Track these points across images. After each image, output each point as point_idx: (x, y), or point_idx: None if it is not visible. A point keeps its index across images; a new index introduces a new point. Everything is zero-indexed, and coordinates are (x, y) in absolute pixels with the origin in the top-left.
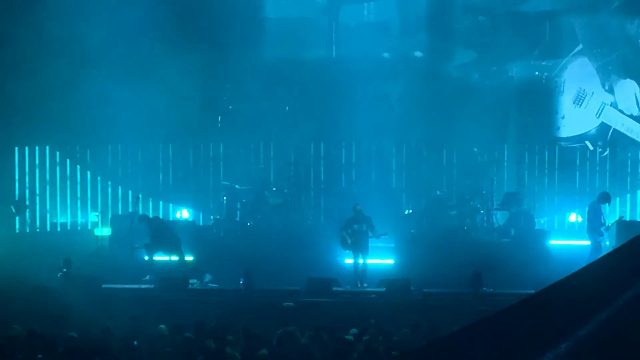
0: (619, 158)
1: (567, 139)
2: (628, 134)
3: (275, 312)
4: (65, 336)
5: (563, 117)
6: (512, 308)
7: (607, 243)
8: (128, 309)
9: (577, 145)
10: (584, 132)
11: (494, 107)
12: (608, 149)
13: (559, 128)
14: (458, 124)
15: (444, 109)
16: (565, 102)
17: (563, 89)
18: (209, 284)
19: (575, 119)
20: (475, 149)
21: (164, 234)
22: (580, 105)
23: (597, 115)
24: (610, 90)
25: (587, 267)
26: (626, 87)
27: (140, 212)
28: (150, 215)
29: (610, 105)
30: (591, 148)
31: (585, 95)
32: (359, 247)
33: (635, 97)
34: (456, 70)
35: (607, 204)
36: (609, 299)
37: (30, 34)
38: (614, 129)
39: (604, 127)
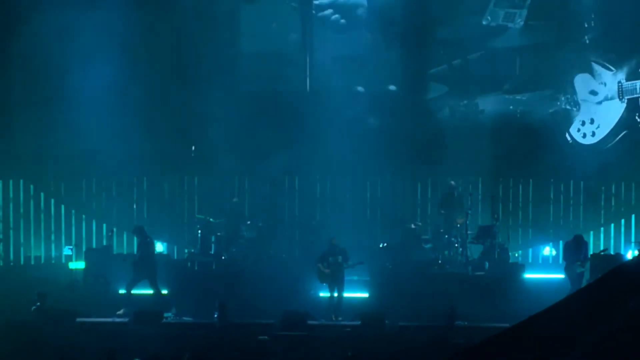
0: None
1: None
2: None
3: (250, 345)
4: None
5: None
6: (488, 341)
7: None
8: (102, 343)
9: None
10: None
11: (467, 140)
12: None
13: (589, 134)
14: (432, 157)
15: (418, 142)
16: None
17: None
18: (174, 318)
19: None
20: (452, 182)
21: (152, 254)
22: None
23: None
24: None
25: (562, 301)
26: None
27: (115, 244)
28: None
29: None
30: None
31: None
32: (335, 278)
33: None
34: (429, 104)
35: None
36: (586, 332)
37: (4, 67)
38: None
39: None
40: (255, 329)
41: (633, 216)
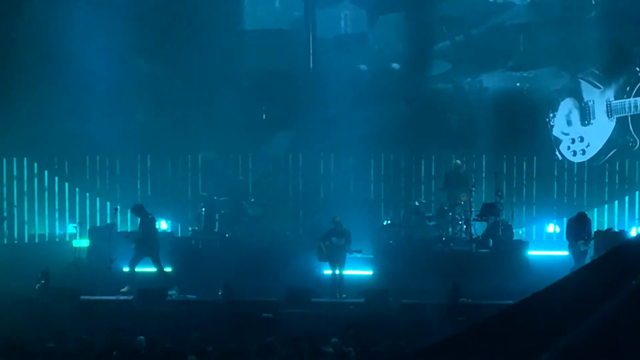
0: (597, 167)
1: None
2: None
3: (254, 323)
4: (43, 348)
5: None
6: (491, 319)
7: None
8: (107, 321)
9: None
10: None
11: (471, 117)
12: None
13: (579, 152)
14: (436, 135)
15: (421, 119)
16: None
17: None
18: (177, 296)
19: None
20: (457, 161)
21: (154, 232)
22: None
23: (610, 117)
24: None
25: (565, 278)
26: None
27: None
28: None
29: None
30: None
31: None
32: (334, 259)
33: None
34: (432, 81)
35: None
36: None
37: (8, 46)
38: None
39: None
40: (259, 307)
41: (637, 193)
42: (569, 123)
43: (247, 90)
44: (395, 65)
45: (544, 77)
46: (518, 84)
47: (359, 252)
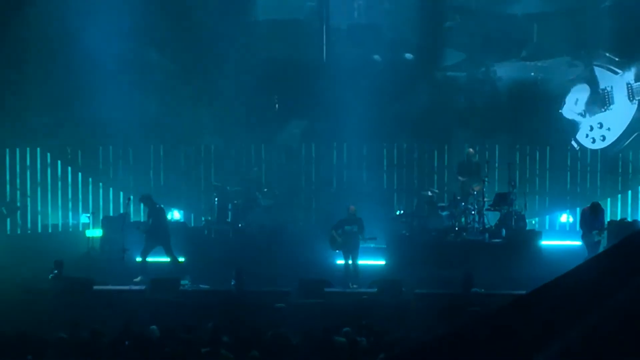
0: (610, 157)
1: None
2: None
3: (267, 313)
4: (55, 337)
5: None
6: (504, 309)
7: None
8: (119, 311)
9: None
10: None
11: (484, 107)
12: None
13: (598, 138)
14: (449, 125)
15: (434, 109)
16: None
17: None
18: (190, 286)
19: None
20: (470, 150)
21: (164, 222)
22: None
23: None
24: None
25: (577, 267)
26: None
27: (132, 212)
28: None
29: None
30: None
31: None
32: (348, 247)
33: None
34: (446, 71)
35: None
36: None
37: (21, 36)
38: None
39: None
40: (272, 297)
41: None
42: (584, 112)
43: (260, 80)
44: (409, 56)
45: (557, 66)
46: (532, 74)
47: (374, 239)
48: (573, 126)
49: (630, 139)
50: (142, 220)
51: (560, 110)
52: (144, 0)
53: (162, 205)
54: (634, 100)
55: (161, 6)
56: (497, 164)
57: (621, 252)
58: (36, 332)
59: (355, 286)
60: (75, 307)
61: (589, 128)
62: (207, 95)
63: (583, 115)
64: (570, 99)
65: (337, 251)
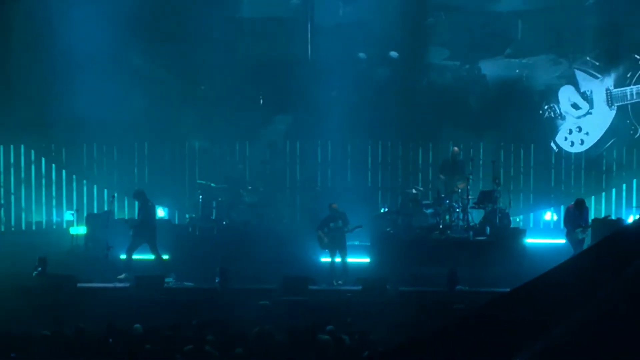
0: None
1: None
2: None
3: (251, 310)
4: (39, 335)
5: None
6: (488, 306)
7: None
8: (104, 308)
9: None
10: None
11: (468, 105)
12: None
13: (577, 142)
14: (434, 122)
15: (419, 107)
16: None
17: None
18: (175, 283)
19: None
20: (455, 149)
21: (152, 219)
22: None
23: (610, 105)
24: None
25: (561, 265)
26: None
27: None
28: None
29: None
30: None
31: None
32: (336, 244)
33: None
34: (430, 69)
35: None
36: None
37: (5, 33)
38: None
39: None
40: (257, 294)
41: (634, 181)
42: (565, 114)
43: (245, 78)
44: (394, 54)
45: (542, 64)
46: (517, 71)
47: (360, 227)
48: (556, 125)
49: (608, 144)
50: (126, 217)
51: (551, 112)
52: (129, 1)
53: (153, 202)
54: (613, 107)
55: (146, 6)
56: (481, 162)
57: (605, 249)
58: (20, 329)
59: (340, 283)
60: (59, 305)
61: (568, 131)
62: (191, 93)
63: (563, 123)
64: (563, 96)
65: (325, 250)
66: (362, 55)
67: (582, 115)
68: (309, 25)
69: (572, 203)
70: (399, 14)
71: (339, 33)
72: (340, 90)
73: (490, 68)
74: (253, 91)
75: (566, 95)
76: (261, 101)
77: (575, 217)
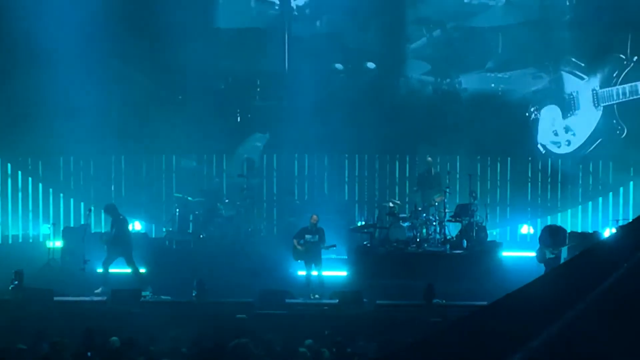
0: (571, 168)
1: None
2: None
3: (228, 324)
4: (15, 349)
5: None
6: (465, 320)
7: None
8: (80, 322)
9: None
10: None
11: (446, 118)
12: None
13: (563, 143)
14: (411, 136)
15: (396, 120)
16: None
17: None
18: (152, 297)
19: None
20: (429, 159)
21: (126, 232)
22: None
23: (596, 106)
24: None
25: (539, 278)
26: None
27: (93, 223)
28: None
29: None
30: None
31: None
32: (310, 257)
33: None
34: (409, 82)
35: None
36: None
37: None
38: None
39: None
40: (234, 308)
41: (611, 194)
42: (551, 131)
43: (222, 89)
44: (371, 65)
45: (522, 78)
46: (497, 85)
47: (334, 246)
48: (534, 137)
49: (595, 144)
50: (103, 231)
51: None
52: (105, 7)
53: (124, 216)
54: (599, 107)
55: (123, 16)
56: (458, 175)
57: (582, 263)
58: None
59: (316, 296)
60: (35, 318)
61: (554, 133)
62: (168, 106)
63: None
64: (543, 122)
65: (299, 261)
66: (338, 66)
67: (554, 126)
68: (285, 37)
69: (548, 226)
70: (378, 25)
71: (316, 44)
72: (317, 103)
73: (471, 82)
74: (230, 103)
75: (551, 115)
76: (238, 119)
77: (547, 238)
